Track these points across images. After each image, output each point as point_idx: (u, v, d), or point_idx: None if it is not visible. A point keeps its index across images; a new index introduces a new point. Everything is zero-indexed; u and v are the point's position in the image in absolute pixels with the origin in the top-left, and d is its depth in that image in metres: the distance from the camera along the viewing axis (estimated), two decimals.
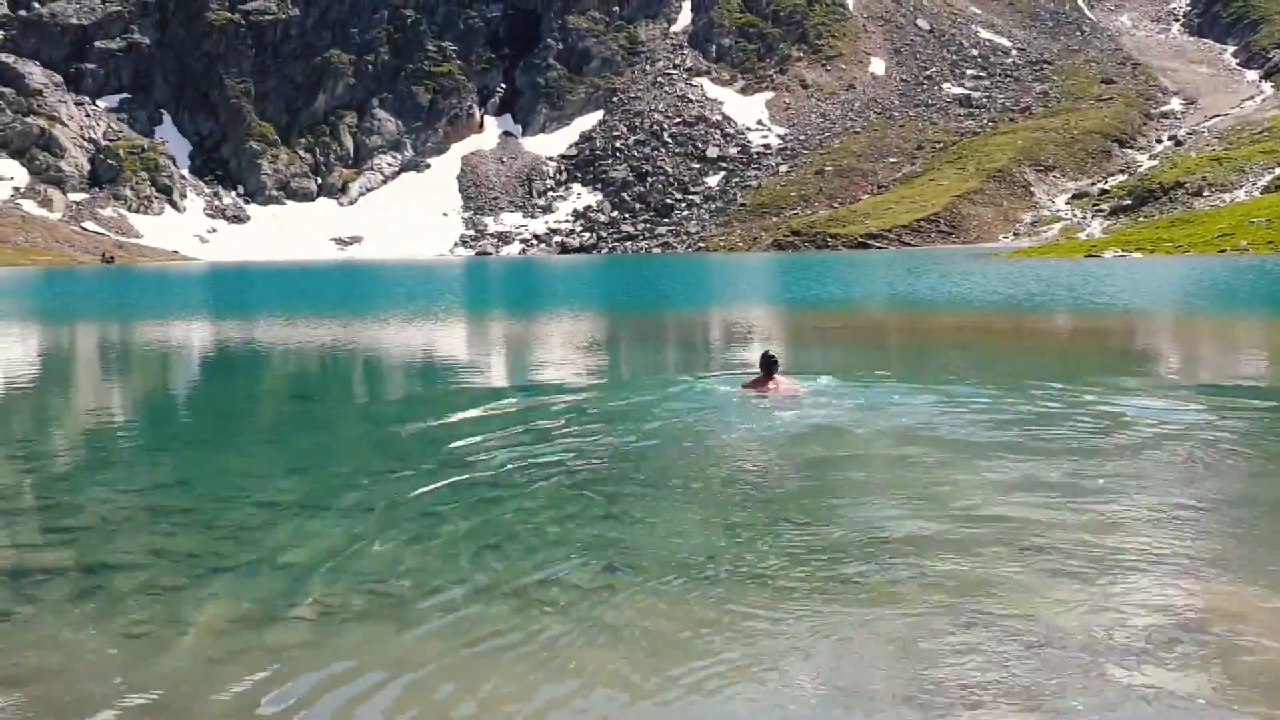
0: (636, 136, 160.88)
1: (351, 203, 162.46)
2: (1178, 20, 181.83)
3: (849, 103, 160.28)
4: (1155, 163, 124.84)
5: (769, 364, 13.73)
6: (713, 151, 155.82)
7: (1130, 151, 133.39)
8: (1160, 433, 11.22)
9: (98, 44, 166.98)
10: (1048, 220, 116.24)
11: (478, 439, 11.53)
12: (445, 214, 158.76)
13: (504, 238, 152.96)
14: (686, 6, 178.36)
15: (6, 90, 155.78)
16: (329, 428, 12.50)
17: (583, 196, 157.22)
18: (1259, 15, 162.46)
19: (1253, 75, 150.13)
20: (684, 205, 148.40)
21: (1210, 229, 70.66)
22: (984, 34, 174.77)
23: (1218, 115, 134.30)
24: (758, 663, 5.60)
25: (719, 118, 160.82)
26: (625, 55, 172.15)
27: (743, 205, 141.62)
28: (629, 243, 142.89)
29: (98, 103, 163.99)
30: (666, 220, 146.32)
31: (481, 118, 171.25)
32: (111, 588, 6.89)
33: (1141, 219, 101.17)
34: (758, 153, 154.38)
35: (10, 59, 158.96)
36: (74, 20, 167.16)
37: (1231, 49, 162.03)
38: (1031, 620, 6.04)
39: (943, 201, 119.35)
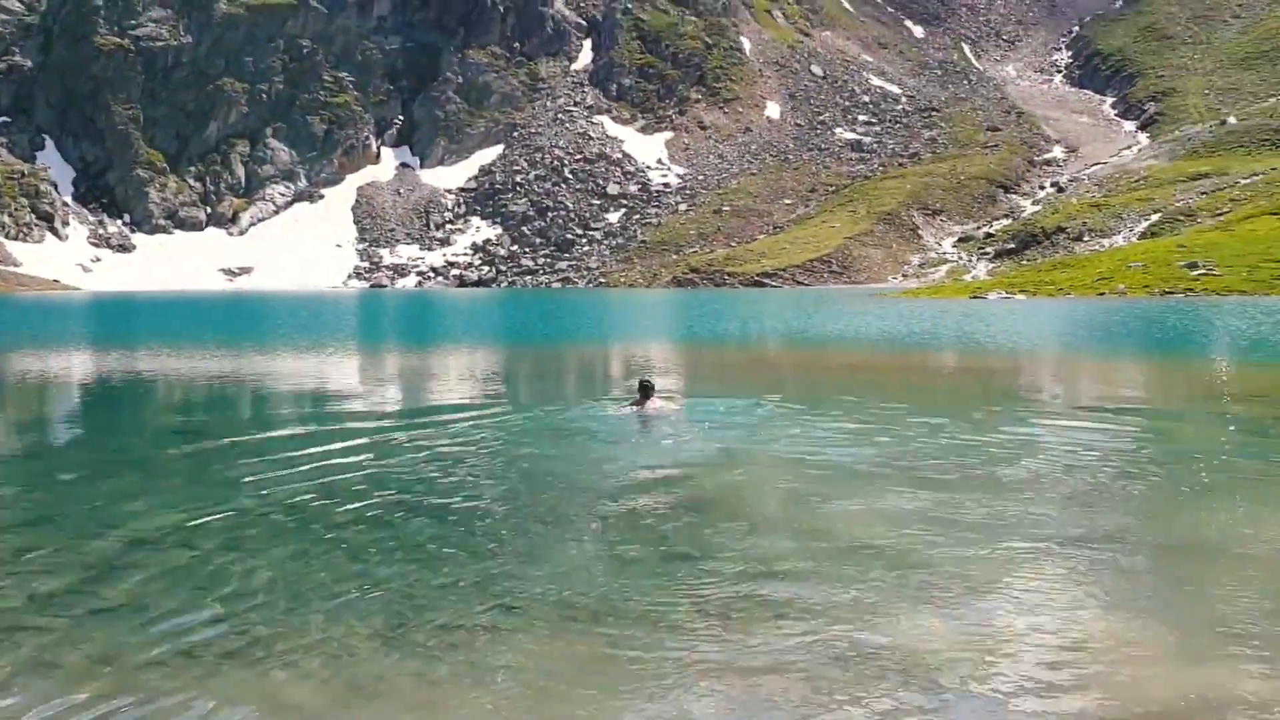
0: (537, 171, 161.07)
1: (242, 233, 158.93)
2: (1060, 71, 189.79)
3: (746, 145, 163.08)
4: (1038, 208, 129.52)
5: (645, 389, 15.42)
6: (613, 188, 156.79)
7: (1014, 197, 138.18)
8: (1038, 465, 11.48)
9: None
10: (935, 262, 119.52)
11: (358, 474, 11.27)
12: (339, 245, 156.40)
13: (400, 270, 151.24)
14: (587, 45, 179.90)
15: None
16: (202, 463, 12.05)
17: (482, 230, 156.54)
18: (1135, 69, 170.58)
19: (1130, 126, 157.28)
20: (584, 241, 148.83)
21: (1090, 273, 73.46)
22: (875, 81, 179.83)
23: (1097, 163, 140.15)
24: (642, 700, 5.48)
25: (619, 155, 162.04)
26: (526, 91, 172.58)
27: (643, 242, 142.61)
28: (529, 277, 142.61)
29: None
30: (567, 255, 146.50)
31: (378, 149, 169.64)
32: None
33: (1024, 262, 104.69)
34: (657, 191, 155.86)
35: None
36: None
37: (1110, 100, 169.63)
38: (912, 652, 6.05)
39: (835, 243, 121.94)
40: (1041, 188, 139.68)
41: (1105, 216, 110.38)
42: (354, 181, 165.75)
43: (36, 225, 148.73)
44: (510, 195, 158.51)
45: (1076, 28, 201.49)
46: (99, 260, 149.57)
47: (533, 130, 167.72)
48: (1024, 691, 5.61)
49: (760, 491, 10.55)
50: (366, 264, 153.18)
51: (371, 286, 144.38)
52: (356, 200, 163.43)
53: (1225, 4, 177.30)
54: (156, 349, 33.48)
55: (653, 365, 26.41)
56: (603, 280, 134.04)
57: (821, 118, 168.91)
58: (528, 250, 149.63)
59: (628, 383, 20.78)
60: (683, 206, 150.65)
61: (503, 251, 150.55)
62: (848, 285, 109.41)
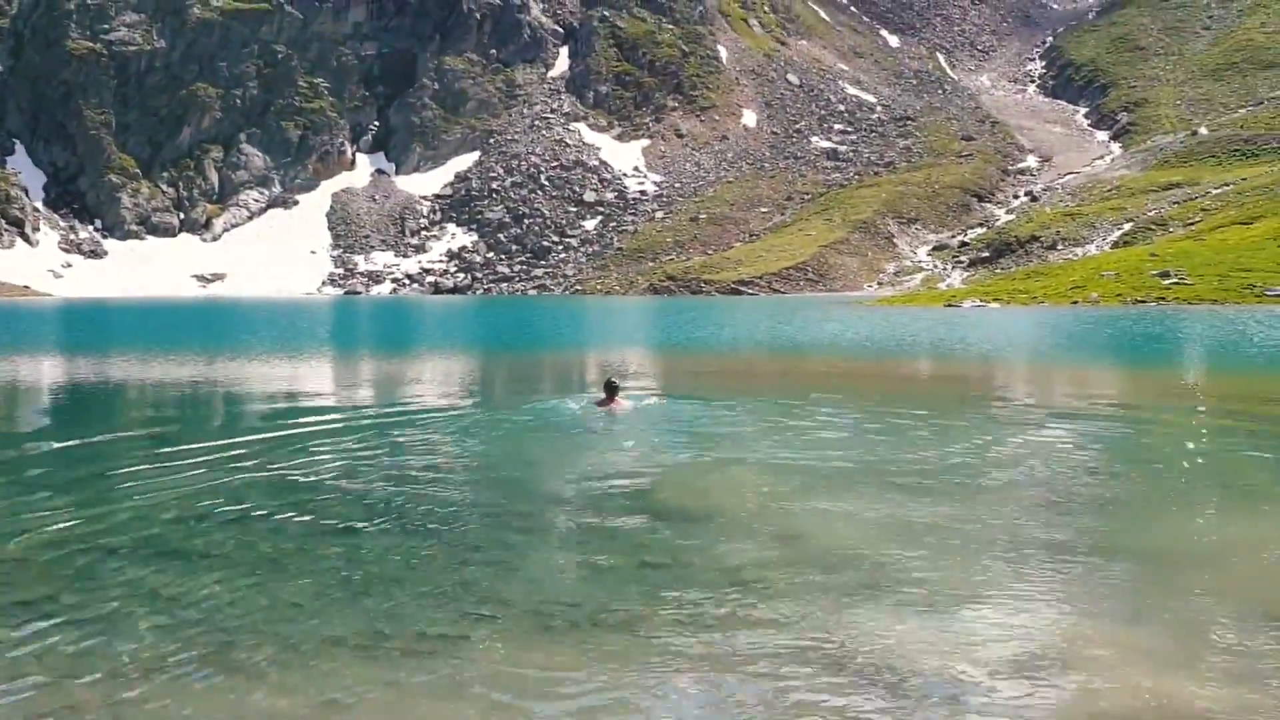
0: (513, 178, 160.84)
1: (215, 239, 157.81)
2: (1033, 81, 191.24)
3: (722, 153, 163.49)
4: (1012, 217, 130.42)
5: (610, 388, 16.28)
6: (590, 196, 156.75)
7: (988, 206, 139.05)
8: (1011, 471, 11.53)
9: None
10: (910, 270, 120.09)
11: (328, 480, 11.19)
12: (314, 251, 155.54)
13: (375, 277, 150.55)
14: (564, 52, 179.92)
15: None
16: (167, 472, 11.91)
17: (457, 237, 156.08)
18: (1108, 80, 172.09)
19: (1103, 136, 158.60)
20: (561, 248, 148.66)
21: (1063, 281, 73.98)
22: (851, 90, 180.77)
23: (1070, 173, 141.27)
24: (617, 707, 5.44)
25: (596, 163, 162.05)
26: (502, 98, 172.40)
27: (619, 250, 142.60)
28: (504, 284, 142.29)
29: None
30: (543, 262, 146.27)
31: (353, 155, 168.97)
32: None
33: (998, 270, 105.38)
34: (634, 198, 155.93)
35: None
36: None
37: (1083, 110, 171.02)
38: (885, 658, 6.03)
39: (810, 251, 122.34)
40: (1015, 197, 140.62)
41: (1078, 226, 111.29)
42: (329, 188, 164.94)
43: (6, 231, 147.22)
44: (486, 202, 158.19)
45: (1050, 38, 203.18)
46: (70, 266, 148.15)
47: (509, 137, 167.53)
48: (995, 697, 5.61)
49: (733, 495, 10.54)
50: (341, 271, 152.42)
51: (346, 293, 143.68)
52: (331, 206, 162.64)
53: (1196, 16, 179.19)
54: (126, 356, 33.18)
55: (629, 372, 26.39)
56: (579, 288, 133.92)
57: (798, 126, 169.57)
58: (504, 257, 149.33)
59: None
60: (659, 214, 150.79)
61: (479, 259, 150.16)
62: (824, 293, 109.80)
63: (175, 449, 13.42)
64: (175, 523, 9.46)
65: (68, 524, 9.40)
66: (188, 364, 29.47)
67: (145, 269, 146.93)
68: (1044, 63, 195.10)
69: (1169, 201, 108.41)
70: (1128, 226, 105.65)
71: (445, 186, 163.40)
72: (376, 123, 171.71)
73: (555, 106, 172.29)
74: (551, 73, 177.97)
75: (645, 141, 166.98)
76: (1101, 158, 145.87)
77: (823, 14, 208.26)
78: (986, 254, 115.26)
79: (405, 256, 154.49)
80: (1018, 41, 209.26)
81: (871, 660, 6.07)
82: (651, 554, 8.30)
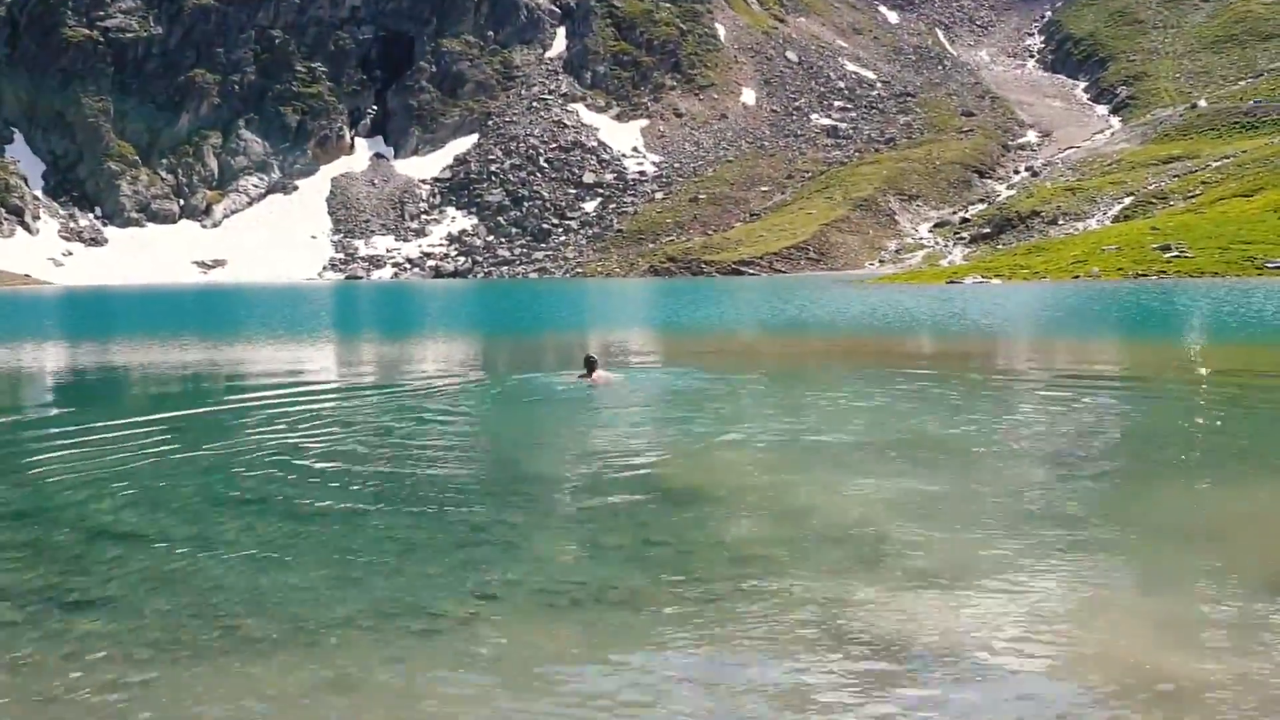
0: (512, 160, 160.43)
1: (215, 225, 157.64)
2: (1033, 56, 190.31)
3: (721, 132, 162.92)
4: (1013, 192, 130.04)
5: (590, 362, 17.58)
6: (589, 177, 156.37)
7: (989, 182, 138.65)
8: (1015, 446, 11.59)
9: None
10: (911, 248, 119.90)
11: (329, 459, 11.27)
12: (314, 237, 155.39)
13: (375, 261, 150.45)
14: (561, 33, 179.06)
15: None
16: (170, 454, 11.99)
17: (457, 220, 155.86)
18: (1107, 54, 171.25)
19: (1102, 110, 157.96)
20: (561, 230, 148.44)
21: (1065, 256, 73.87)
22: (850, 67, 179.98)
23: (1071, 147, 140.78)
24: (622, 684, 5.52)
25: (595, 144, 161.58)
26: (500, 79, 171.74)
27: (619, 231, 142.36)
28: (505, 267, 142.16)
29: None
30: (543, 245, 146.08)
31: (352, 139, 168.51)
32: None
33: (1000, 246, 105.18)
34: (633, 179, 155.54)
35: None
36: None
37: (1083, 85, 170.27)
38: (889, 629, 6.11)
39: (811, 229, 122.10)
40: (1016, 172, 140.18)
41: (1079, 200, 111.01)
42: (328, 172, 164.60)
43: (6, 219, 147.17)
44: (485, 185, 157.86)
45: (1049, 12, 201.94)
46: (70, 254, 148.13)
47: (507, 119, 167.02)
48: (1001, 670, 5.68)
49: (735, 472, 10.60)
50: (342, 256, 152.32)
51: (347, 278, 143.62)
52: (331, 191, 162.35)
53: None
54: (130, 343, 33.24)
55: (631, 351, 26.45)
56: (579, 270, 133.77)
57: (797, 104, 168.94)
58: (504, 240, 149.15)
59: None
60: (659, 195, 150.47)
61: (479, 242, 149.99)
62: (825, 272, 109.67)
63: (176, 433, 13.49)
64: (179, 507, 9.54)
65: (71, 508, 9.47)
66: (191, 349, 29.53)
67: (146, 256, 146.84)
68: (1043, 37, 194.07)
69: (1169, 175, 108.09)
70: (1128, 200, 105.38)
71: (444, 170, 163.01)
72: (375, 106, 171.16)
73: (553, 88, 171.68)
74: (549, 53, 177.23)
75: (644, 121, 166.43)
76: (1101, 132, 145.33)
77: None
78: (988, 230, 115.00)
79: (405, 240, 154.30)
80: (1016, 16, 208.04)
81: (876, 635, 6.13)
82: (654, 531, 8.37)
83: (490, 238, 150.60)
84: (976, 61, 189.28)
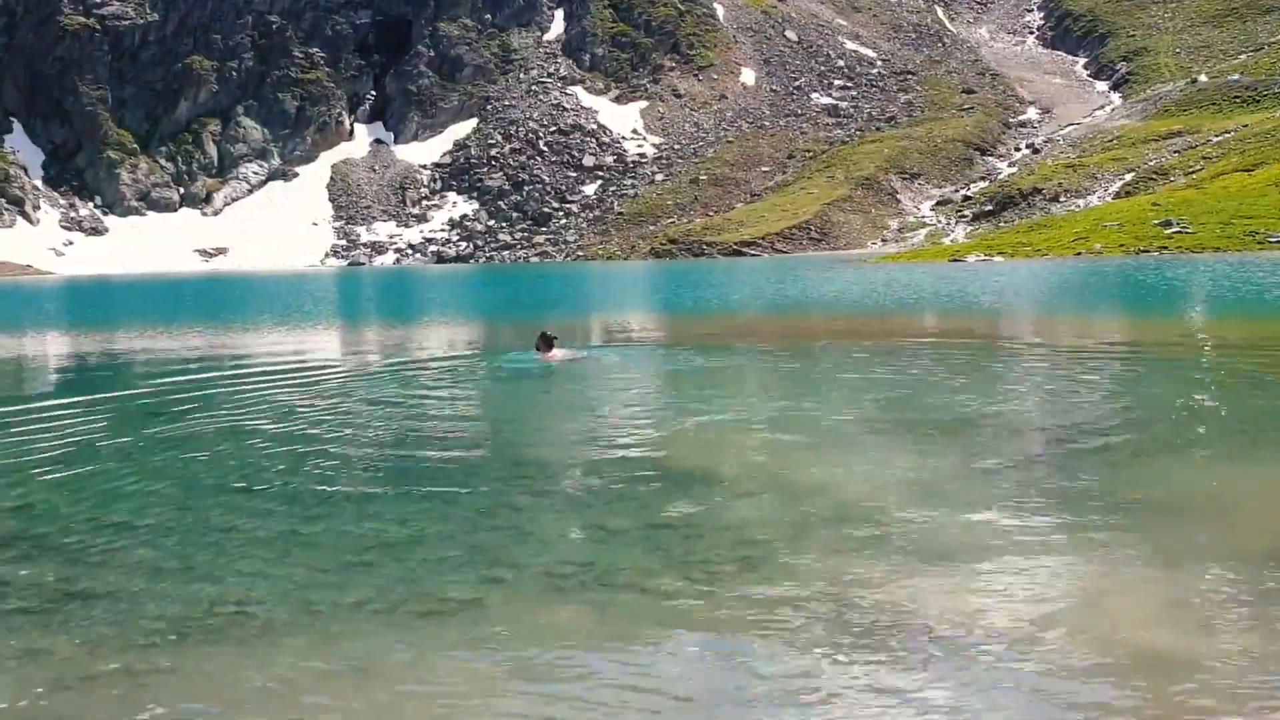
0: (512, 145, 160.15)
1: (216, 213, 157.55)
2: (1032, 33, 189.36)
3: (721, 112, 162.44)
4: (1014, 170, 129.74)
5: (547, 340, 17.95)
6: (589, 160, 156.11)
7: (990, 159, 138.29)
8: (1023, 422, 11.62)
9: None
10: (914, 226, 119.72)
11: (332, 444, 11.34)
12: (315, 223, 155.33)
13: (377, 247, 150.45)
14: (559, 15, 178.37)
15: None
16: (178, 441, 12.05)
17: (458, 205, 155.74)
18: (1106, 29, 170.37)
19: (1102, 86, 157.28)
20: (561, 214, 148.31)
21: (1067, 233, 73.75)
22: (850, 45, 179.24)
23: (1071, 124, 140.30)
24: (631, 666, 5.56)
25: (594, 126, 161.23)
26: (498, 63, 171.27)
27: (620, 214, 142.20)
28: (506, 252, 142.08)
29: None
30: (544, 229, 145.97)
31: (351, 125, 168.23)
32: None
33: (1002, 224, 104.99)
34: (634, 161, 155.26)
35: None
36: None
37: (1083, 61, 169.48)
38: (898, 610, 6.14)
39: (813, 209, 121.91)
40: (1017, 149, 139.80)
41: (1080, 177, 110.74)
42: (328, 159, 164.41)
43: (7, 210, 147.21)
44: (485, 169, 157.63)
45: None
46: (71, 244, 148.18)
47: (506, 103, 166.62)
48: (1011, 651, 5.71)
49: (738, 452, 10.64)
50: (344, 242, 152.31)
51: (350, 265, 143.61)
52: (331, 178, 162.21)
53: None
54: (135, 331, 33.28)
55: (632, 332, 26.50)
56: (580, 253, 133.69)
57: (797, 83, 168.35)
58: (504, 225, 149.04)
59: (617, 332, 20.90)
60: (659, 177, 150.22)
61: (480, 227, 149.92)
62: (828, 252, 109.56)
63: (179, 419, 13.54)
64: (183, 492, 9.59)
65: (74, 495, 9.53)
66: (192, 336, 29.57)
67: (147, 245, 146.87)
68: (1042, 14, 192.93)
69: (1170, 150, 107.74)
70: (1129, 177, 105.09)
71: (444, 155, 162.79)
72: (373, 92, 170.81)
73: (552, 70, 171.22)
74: (547, 36, 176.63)
75: (643, 103, 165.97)
76: (1102, 108, 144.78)
77: None
78: (990, 208, 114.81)
79: (407, 226, 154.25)
80: None
81: (884, 616, 6.16)
82: (659, 513, 8.41)
83: (491, 222, 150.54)
84: (976, 39, 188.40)
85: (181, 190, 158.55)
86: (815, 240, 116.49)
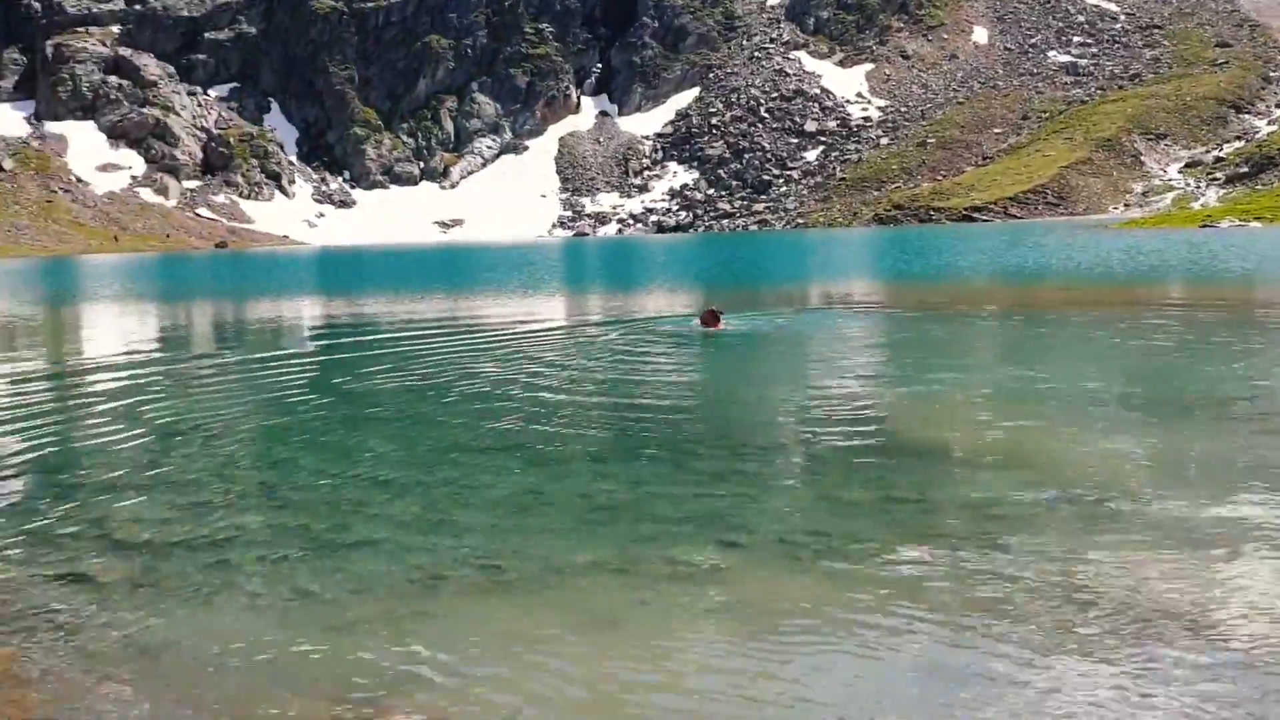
0: (733, 113, 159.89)
1: (453, 186, 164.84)
2: None
3: (951, 73, 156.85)
4: (1274, 128, 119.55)
5: (715, 315, 18.74)
6: (811, 126, 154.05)
7: (1247, 117, 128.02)
8: None
9: (207, 35, 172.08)
10: (1160, 190, 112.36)
11: (566, 407, 11.67)
12: (543, 195, 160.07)
13: (601, 218, 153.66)
14: None
15: (124, 82, 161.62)
16: (420, 400, 12.74)
17: (679, 175, 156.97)
18: None
19: None
20: (782, 181, 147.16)
21: None
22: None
23: None
24: (879, 651, 5.54)
25: (817, 91, 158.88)
26: (721, 31, 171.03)
27: (842, 179, 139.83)
28: (725, 220, 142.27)
29: (209, 92, 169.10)
30: (764, 197, 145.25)
31: (578, 98, 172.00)
32: (232, 562, 7.11)
33: (1259, 187, 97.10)
34: (857, 126, 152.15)
35: (127, 52, 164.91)
36: (185, 13, 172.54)
37: None
38: (1135, 594, 5.86)
39: (1050, 172, 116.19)
40: (1278, 106, 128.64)
41: None
42: (555, 132, 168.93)
43: (266, 184, 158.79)
44: (706, 138, 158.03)
45: None
46: (323, 216, 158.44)
47: (729, 71, 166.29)
48: (1246, 641, 5.36)
49: (972, 424, 10.32)
50: (570, 213, 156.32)
51: (575, 235, 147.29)
52: (558, 150, 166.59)
53: None
54: (384, 297, 35.22)
55: (854, 298, 26.06)
56: (800, 221, 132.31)
57: (1033, 40, 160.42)
58: (724, 194, 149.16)
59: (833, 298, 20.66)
60: (884, 140, 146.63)
61: (699, 196, 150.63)
62: (1065, 217, 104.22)
63: (425, 382, 14.27)
64: (430, 452, 10.14)
65: (335, 454, 10.23)
66: (439, 301, 31.03)
67: (390, 216, 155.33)
68: None
69: None
70: None
71: (666, 125, 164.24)
72: (599, 65, 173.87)
73: (775, 36, 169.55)
74: (771, 1, 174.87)
75: (869, 66, 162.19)
76: None
77: None
78: (1245, 170, 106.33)
79: (629, 197, 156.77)
80: None
81: (1122, 605, 5.88)
82: (892, 486, 8.28)
83: (711, 191, 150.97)
84: None
85: (421, 164, 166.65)
86: (1051, 205, 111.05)
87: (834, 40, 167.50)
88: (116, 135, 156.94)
